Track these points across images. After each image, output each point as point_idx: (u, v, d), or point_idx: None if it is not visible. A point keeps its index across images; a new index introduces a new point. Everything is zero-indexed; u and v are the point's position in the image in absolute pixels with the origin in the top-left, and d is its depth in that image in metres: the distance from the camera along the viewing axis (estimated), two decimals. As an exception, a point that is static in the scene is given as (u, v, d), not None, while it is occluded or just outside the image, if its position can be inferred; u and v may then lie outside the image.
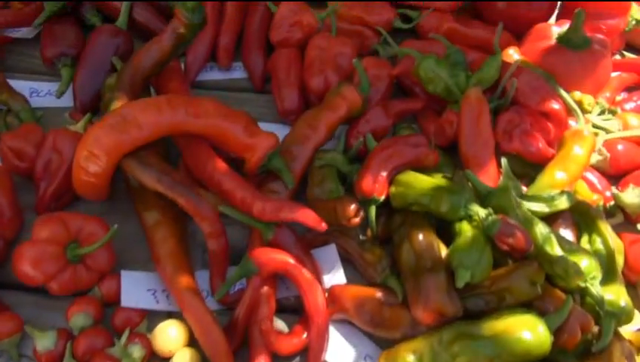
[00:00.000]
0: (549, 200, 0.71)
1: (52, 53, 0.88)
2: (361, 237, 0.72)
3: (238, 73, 0.95)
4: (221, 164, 0.70)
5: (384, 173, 0.70)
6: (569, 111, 0.82)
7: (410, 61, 0.83)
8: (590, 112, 0.87)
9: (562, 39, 0.86)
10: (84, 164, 0.66)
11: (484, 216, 0.65)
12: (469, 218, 0.66)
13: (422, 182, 0.70)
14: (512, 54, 0.86)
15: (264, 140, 0.71)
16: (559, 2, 0.99)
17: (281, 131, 0.87)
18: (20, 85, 0.89)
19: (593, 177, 0.81)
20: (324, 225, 0.66)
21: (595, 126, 0.86)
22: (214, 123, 0.69)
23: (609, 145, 0.83)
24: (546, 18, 0.97)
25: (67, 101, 0.88)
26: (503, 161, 0.74)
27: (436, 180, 0.70)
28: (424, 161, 0.73)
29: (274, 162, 0.72)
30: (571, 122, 0.82)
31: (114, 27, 0.90)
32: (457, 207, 0.66)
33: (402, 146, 0.72)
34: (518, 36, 0.96)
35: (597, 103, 0.88)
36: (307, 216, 0.66)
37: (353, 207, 0.68)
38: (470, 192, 0.69)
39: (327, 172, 0.75)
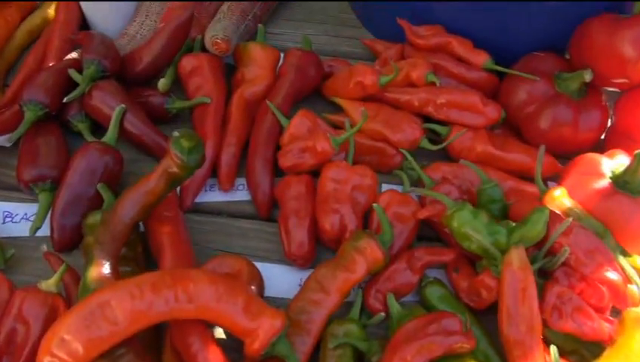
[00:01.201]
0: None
1: (29, 176, 0.76)
2: None
3: (241, 194, 0.83)
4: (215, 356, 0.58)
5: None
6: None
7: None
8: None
9: (618, 182, 0.74)
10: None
11: None
12: None
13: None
14: (560, 198, 0.74)
15: (268, 323, 0.59)
16: (609, 122, 0.87)
17: (288, 275, 0.76)
18: (-9, 209, 0.79)
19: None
20: None
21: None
22: (208, 306, 0.57)
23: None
24: (595, 139, 0.85)
25: (45, 229, 0.77)
26: (553, 349, 0.62)
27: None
28: (458, 350, 0.61)
29: (279, 348, 0.60)
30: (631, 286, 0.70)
31: (101, 145, 0.78)
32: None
33: (432, 337, 0.60)
34: (561, 156, 0.85)
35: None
36: None
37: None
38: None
39: (341, 354, 0.63)
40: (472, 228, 0.68)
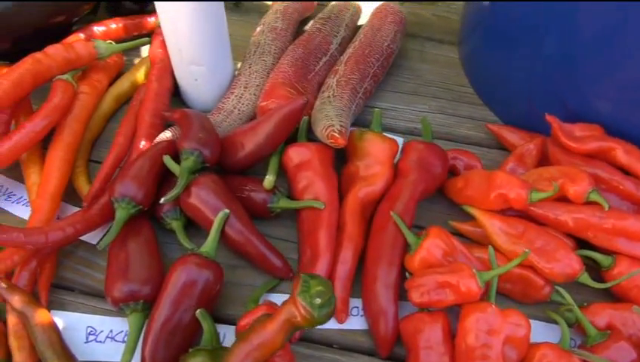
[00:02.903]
0: None
1: (120, 293, 0.65)
2: None
3: (356, 322, 0.70)
4: None
5: None
6: None
7: None
8: None
9: None
10: None
11: None
12: None
13: None
14: None
15: None
16: None
17: None
18: (73, 321, 0.69)
19: None
20: None
21: None
22: None
23: None
24: None
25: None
26: None
27: None
28: None
29: None
30: None
31: (201, 259, 0.66)
32: None
33: None
34: None
35: None
36: None
37: None
38: None
39: None
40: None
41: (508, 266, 0.64)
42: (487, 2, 0.90)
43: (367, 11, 1.05)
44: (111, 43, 0.95)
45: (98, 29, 0.98)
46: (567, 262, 0.68)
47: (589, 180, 0.70)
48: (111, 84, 0.95)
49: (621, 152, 0.73)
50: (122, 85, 0.94)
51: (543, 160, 0.81)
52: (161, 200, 0.70)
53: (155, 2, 0.80)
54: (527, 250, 0.64)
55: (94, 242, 0.75)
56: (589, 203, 0.70)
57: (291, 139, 0.82)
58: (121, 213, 0.71)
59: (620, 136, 0.75)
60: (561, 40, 0.78)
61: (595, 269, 0.73)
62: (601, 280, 0.71)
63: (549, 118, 0.78)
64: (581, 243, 0.73)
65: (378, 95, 0.99)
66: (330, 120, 0.79)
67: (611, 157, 0.74)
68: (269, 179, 0.75)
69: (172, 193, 0.71)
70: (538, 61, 0.83)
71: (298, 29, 1.06)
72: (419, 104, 0.98)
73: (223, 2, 0.84)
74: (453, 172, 0.85)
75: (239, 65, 0.96)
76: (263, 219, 0.79)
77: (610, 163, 0.75)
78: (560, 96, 0.83)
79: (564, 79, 0.81)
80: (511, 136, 0.87)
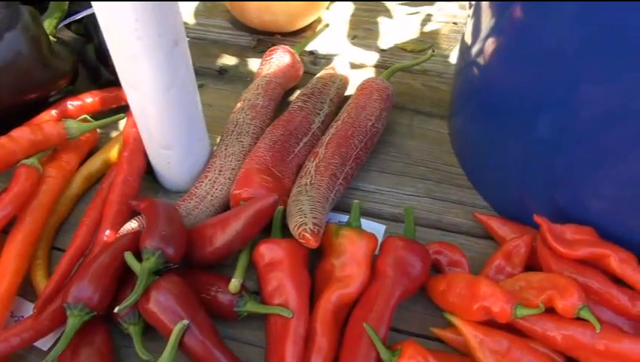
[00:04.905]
0: None
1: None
2: None
3: None
4: None
5: None
6: None
7: None
8: None
9: None
10: None
11: None
12: None
13: None
14: None
15: None
16: None
17: None
18: None
19: None
20: None
21: None
22: None
23: None
24: None
25: None
26: None
27: None
28: None
29: None
30: None
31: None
32: None
33: None
34: None
35: None
36: None
37: None
38: None
39: None
40: None
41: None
42: (477, 74, 0.86)
43: (355, 83, 1.02)
44: (86, 118, 0.92)
45: (72, 103, 0.94)
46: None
47: (579, 294, 0.64)
48: (83, 161, 0.91)
49: (615, 261, 0.67)
50: (94, 164, 0.90)
51: (534, 256, 0.76)
52: (116, 309, 0.65)
53: (122, 85, 0.77)
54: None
55: (46, 348, 0.70)
56: (581, 320, 0.65)
57: (269, 228, 0.77)
58: (73, 321, 0.66)
59: (611, 240, 0.70)
60: (554, 122, 0.73)
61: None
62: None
63: (537, 218, 0.73)
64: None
65: (363, 176, 0.94)
66: (303, 216, 0.74)
67: (605, 265, 0.68)
68: (234, 284, 0.70)
69: (128, 300, 0.65)
70: (530, 145, 0.78)
71: (282, 100, 1.03)
72: (406, 186, 0.93)
73: (195, 84, 0.81)
74: (436, 267, 0.80)
75: (218, 139, 0.92)
76: (230, 321, 0.74)
77: (603, 270, 0.69)
78: (551, 186, 0.78)
79: (556, 169, 0.76)
80: (500, 228, 0.82)
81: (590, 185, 0.73)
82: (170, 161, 0.85)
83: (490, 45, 0.79)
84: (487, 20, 0.79)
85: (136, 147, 0.87)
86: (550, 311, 0.66)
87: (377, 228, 0.85)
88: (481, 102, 0.87)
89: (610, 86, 0.64)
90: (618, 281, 0.69)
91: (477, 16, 0.83)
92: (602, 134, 0.68)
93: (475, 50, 0.84)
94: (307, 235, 0.71)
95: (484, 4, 0.79)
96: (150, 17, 0.65)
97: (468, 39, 0.87)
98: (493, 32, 0.78)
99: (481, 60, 0.83)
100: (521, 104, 0.77)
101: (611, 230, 0.72)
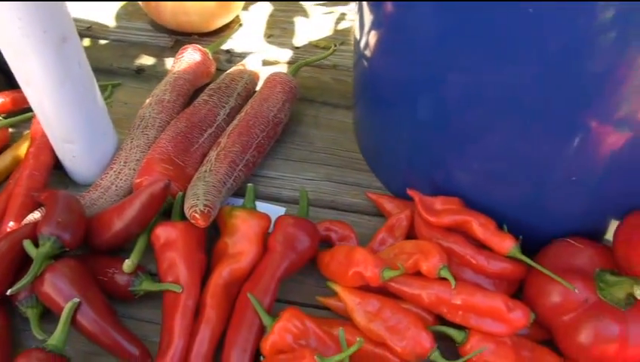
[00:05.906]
0: None
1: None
2: None
3: (212, 409, 0.70)
4: None
5: None
6: None
7: None
8: None
9: None
10: None
11: None
12: None
13: None
14: None
15: None
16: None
17: None
18: None
19: None
20: None
21: None
22: None
23: None
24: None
25: None
26: None
27: None
28: None
29: None
30: None
31: (45, 355, 0.64)
32: None
33: None
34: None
35: None
36: None
37: None
38: None
39: None
40: None
41: (349, 351, 0.64)
42: (366, 67, 0.92)
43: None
44: (-3, 117, 0.95)
45: (-17, 104, 0.98)
46: (417, 340, 0.67)
47: (440, 256, 0.70)
48: (-7, 160, 0.94)
49: (476, 225, 0.74)
50: (3, 161, 0.93)
51: (414, 228, 0.82)
52: (8, 292, 0.69)
53: (19, 82, 0.80)
54: (359, 339, 0.64)
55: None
56: (443, 279, 0.71)
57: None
58: (-32, 305, 0.69)
59: (478, 209, 0.77)
60: (428, 108, 0.79)
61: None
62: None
63: (410, 192, 0.79)
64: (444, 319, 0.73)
65: (268, 164, 0.99)
66: (196, 199, 0.79)
67: (467, 230, 0.75)
68: (127, 264, 0.74)
69: (21, 282, 0.69)
70: (413, 130, 0.85)
71: (193, 96, 1.07)
72: (308, 172, 0.99)
73: (93, 79, 0.85)
74: (328, 243, 0.86)
75: (128, 135, 0.96)
76: (130, 301, 0.78)
77: (469, 236, 0.76)
78: (431, 166, 0.85)
79: (433, 149, 0.83)
80: (388, 205, 0.88)
81: (460, 162, 0.80)
82: (75, 155, 0.88)
83: (372, 40, 0.86)
84: (367, 17, 0.86)
85: (42, 143, 0.90)
86: (419, 274, 0.73)
87: (276, 211, 0.91)
88: (373, 92, 0.94)
89: (467, 75, 0.70)
90: (484, 247, 0.76)
91: (360, 13, 0.89)
92: (465, 117, 0.75)
93: (362, 44, 0.91)
94: (197, 216, 0.76)
95: (364, 3, 0.86)
96: (33, 15, 0.69)
97: (357, 35, 0.94)
98: (373, 27, 0.84)
99: (368, 53, 0.90)
100: (402, 92, 0.83)
101: (479, 201, 0.79)
